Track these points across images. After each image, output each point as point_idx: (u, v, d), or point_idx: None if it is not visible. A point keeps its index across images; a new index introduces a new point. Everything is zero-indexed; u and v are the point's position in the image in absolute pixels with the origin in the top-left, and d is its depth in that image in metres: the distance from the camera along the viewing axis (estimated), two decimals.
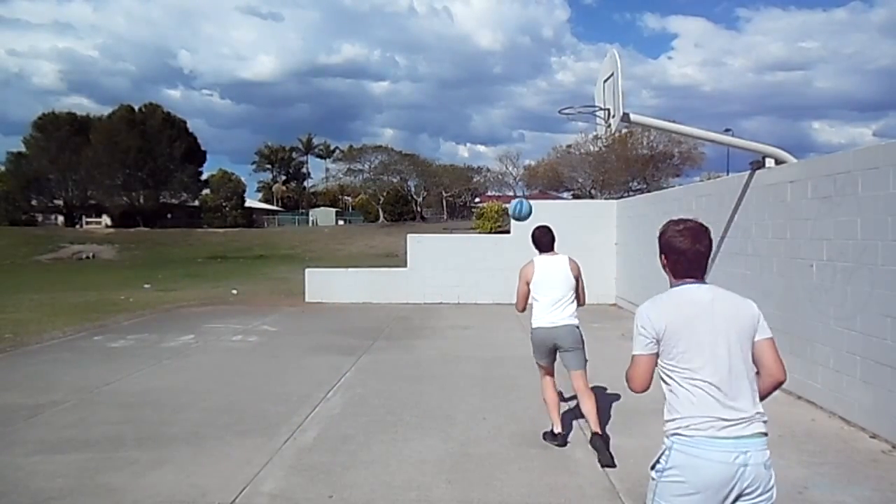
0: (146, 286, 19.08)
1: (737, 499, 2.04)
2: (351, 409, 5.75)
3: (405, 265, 14.69)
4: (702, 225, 2.25)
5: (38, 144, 54.77)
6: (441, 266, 14.18)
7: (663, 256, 2.33)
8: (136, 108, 58.30)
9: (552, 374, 4.95)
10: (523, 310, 4.93)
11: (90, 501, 3.79)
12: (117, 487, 3.96)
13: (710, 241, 2.25)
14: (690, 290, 2.22)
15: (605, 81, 7.52)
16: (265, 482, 4.03)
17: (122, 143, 53.82)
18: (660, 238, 2.32)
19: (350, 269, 15.68)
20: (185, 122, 60.79)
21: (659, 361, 2.24)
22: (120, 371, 7.25)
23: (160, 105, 60.04)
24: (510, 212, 5.72)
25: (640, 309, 2.26)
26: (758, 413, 2.12)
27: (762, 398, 2.22)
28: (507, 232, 15.16)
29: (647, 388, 2.30)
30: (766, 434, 2.10)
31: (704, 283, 2.24)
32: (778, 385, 2.27)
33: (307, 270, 15.24)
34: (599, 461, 4.31)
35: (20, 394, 6.27)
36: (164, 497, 3.83)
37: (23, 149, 55.73)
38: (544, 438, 4.82)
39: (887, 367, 4.71)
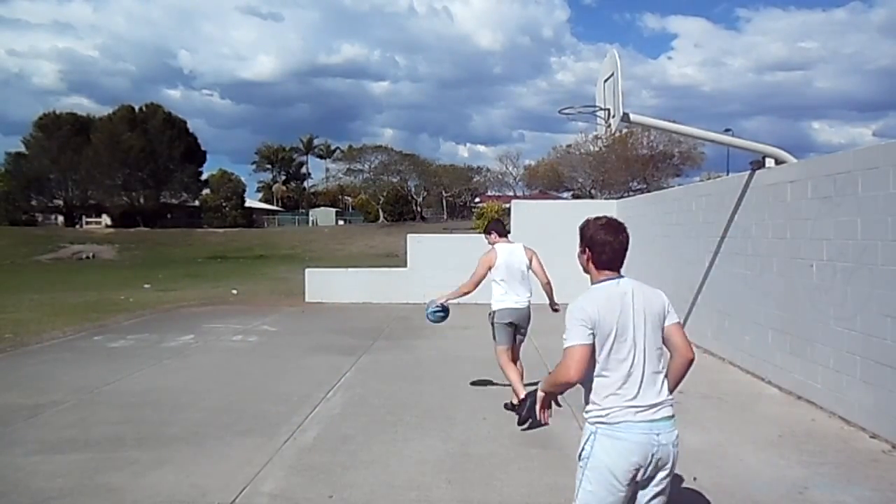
0: (146, 286, 19.08)
1: (650, 476, 2.32)
2: (351, 409, 5.75)
3: (405, 265, 14.69)
4: (619, 221, 2.51)
5: (38, 144, 54.78)
6: (441, 266, 14.12)
7: (587, 249, 2.52)
8: (137, 108, 58.34)
9: (511, 351, 5.60)
10: (469, 293, 5.58)
11: (90, 501, 3.79)
12: (117, 487, 3.96)
13: (628, 235, 2.48)
14: (615, 284, 2.43)
15: (606, 81, 7.52)
16: (265, 482, 4.03)
17: (123, 143, 53.83)
18: (582, 233, 2.54)
19: (350, 269, 15.68)
20: (185, 123, 60.87)
21: None
22: (120, 371, 7.25)
23: (161, 105, 60.17)
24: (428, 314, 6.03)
25: (573, 304, 2.41)
26: (668, 399, 2.38)
27: (680, 378, 2.48)
28: (507, 232, 15.15)
29: (582, 377, 2.42)
30: (673, 416, 2.37)
31: (622, 276, 2.46)
32: (689, 363, 2.47)
33: (307, 270, 15.24)
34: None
35: (20, 394, 6.27)
36: (164, 497, 3.83)
37: (23, 149, 55.76)
38: (506, 408, 5.44)
39: (887, 367, 4.71)
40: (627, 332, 2.33)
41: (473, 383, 6.68)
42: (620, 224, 2.49)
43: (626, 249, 2.46)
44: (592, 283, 2.48)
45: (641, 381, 2.32)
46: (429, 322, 6.10)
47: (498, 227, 5.96)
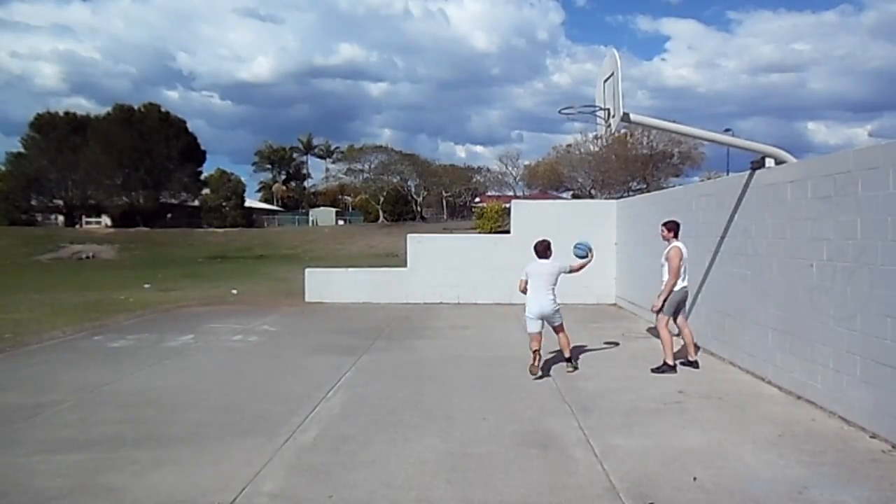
0: (146, 286, 19.08)
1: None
2: (351, 409, 5.75)
3: (405, 265, 14.69)
4: (545, 240, 7.10)
5: (36, 144, 54.78)
6: (441, 266, 14.18)
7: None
8: (136, 108, 58.25)
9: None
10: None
11: (90, 501, 3.79)
12: (117, 487, 3.96)
13: (548, 243, 7.08)
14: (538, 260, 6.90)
15: (605, 81, 7.52)
16: (265, 482, 4.04)
17: (119, 142, 53.78)
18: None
19: (350, 269, 15.68)
20: (184, 122, 60.76)
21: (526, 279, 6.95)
22: (120, 371, 7.25)
23: (158, 105, 60.04)
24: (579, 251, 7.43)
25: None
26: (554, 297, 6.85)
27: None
28: (507, 232, 15.16)
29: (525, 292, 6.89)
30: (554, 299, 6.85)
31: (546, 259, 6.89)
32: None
33: (307, 270, 15.24)
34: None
35: (20, 394, 6.27)
36: (164, 497, 3.83)
37: (21, 149, 55.73)
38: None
39: (887, 366, 4.72)
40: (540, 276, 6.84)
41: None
42: (545, 242, 7.06)
43: (549, 249, 7.06)
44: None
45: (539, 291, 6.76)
46: (578, 250, 7.30)
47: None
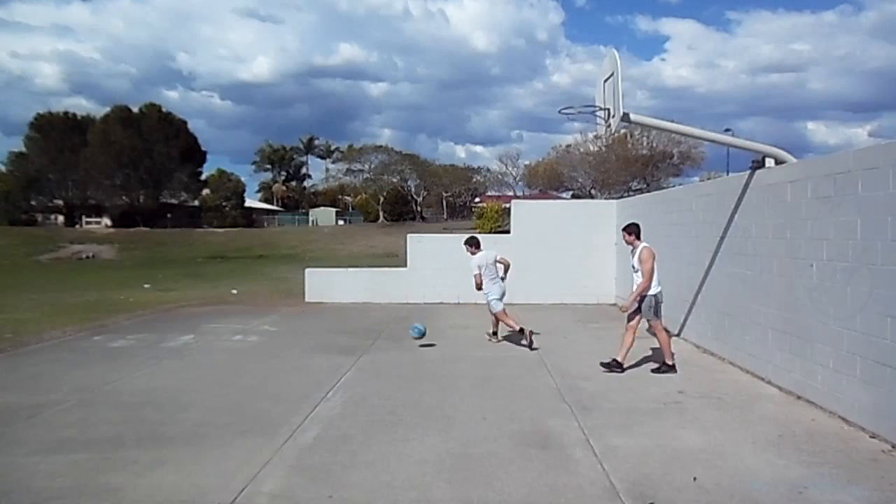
0: (146, 286, 19.08)
1: None
2: (351, 408, 5.75)
3: (405, 265, 14.68)
4: (476, 236, 9.40)
5: (37, 144, 54.76)
6: (441, 266, 14.17)
7: (472, 247, 8.98)
8: (132, 107, 58.30)
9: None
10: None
11: (90, 501, 3.79)
12: (117, 487, 3.96)
13: (477, 240, 9.19)
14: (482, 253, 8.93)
15: (606, 81, 7.52)
16: (265, 482, 4.04)
17: (119, 142, 53.76)
18: (475, 244, 9.01)
19: (350, 269, 15.68)
20: (184, 123, 60.76)
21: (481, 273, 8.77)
22: (120, 371, 7.25)
23: (158, 105, 60.03)
24: (413, 333, 8.72)
25: (474, 258, 8.76)
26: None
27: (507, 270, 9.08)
28: (507, 232, 15.16)
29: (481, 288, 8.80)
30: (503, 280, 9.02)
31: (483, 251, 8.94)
32: (507, 268, 9.09)
33: (307, 270, 15.23)
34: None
35: (20, 394, 6.27)
36: (165, 497, 3.83)
37: (23, 149, 55.71)
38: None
39: (887, 366, 4.71)
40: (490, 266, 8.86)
41: (473, 385, 6.70)
42: (476, 238, 9.24)
43: (480, 243, 9.12)
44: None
45: (496, 277, 8.89)
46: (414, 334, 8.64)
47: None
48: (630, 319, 7.13)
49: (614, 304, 13.56)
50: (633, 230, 7.27)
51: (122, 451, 4.60)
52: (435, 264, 14.21)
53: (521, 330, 8.59)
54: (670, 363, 7.13)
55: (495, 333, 9.23)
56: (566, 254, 13.78)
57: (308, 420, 5.36)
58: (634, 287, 7.10)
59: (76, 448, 4.68)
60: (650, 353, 8.29)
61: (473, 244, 9.06)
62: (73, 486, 3.98)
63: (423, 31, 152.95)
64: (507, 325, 8.83)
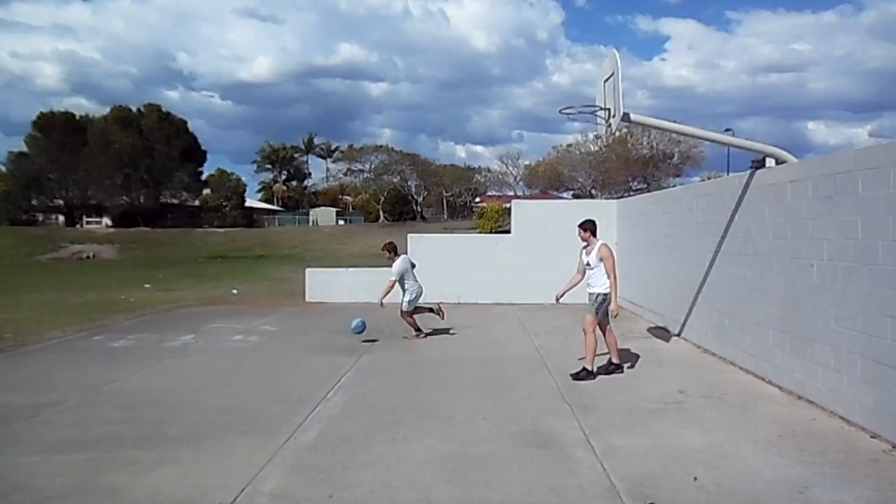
0: (146, 286, 19.09)
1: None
2: (351, 408, 5.75)
3: None
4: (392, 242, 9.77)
5: (37, 144, 54.77)
6: (441, 266, 14.16)
7: (391, 253, 9.42)
8: (132, 107, 58.31)
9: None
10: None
11: (90, 501, 3.79)
12: (118, 487, 3.96)
13: (395, 245, 9.63)
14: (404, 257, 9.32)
15: (606, 81, 7.52)
16: (266, 482, 4.04)
17: (118, 142, 53.77)
18: (393, 249, 9.48)
19: (350, 269, 15.67)
20: (184, 122, 60.75)
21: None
22: (120, 371, 7.25)
23: (158, 105, 60.06)
24: (353, 328, 9.07)
25: (396, 264, 9.14)
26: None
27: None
28: (508, 232, 15.15)
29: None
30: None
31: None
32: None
33: (307, 270, 15.23)
34: None
35: (20, 394, 6.27)
36: (165, 497, 3.83)
37: (24, 149, 55.72)
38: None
39: (888, 366, 4.71)
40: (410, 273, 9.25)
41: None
42: (393, 243, 9.67)
43: (396, 247, 9.63)
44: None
45: (416, 279, 9.41)
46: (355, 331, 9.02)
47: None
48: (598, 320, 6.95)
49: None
50: (589, 227, 7.08)
51: (122, 451, 4.60)
52: (435, 264, 14.18)
53: (419, 332, 9.48)
54: (616, 362, 7.10)
55: (419, 330, 9.55)
56: (566, 254, 13.72)
57: (308, 420, 5.36)
58: (588, 284, 6.98)
59: (76, 448, 4.69)
60: (650, 353, 8.29)
61: (392, 249, 9.42)
62: (73, 486, 3.98)
63: (423, 31, 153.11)
64: (409, 324, 9.44)
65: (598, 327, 6.96)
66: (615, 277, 6.86)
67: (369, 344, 9.02)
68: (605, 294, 6.86)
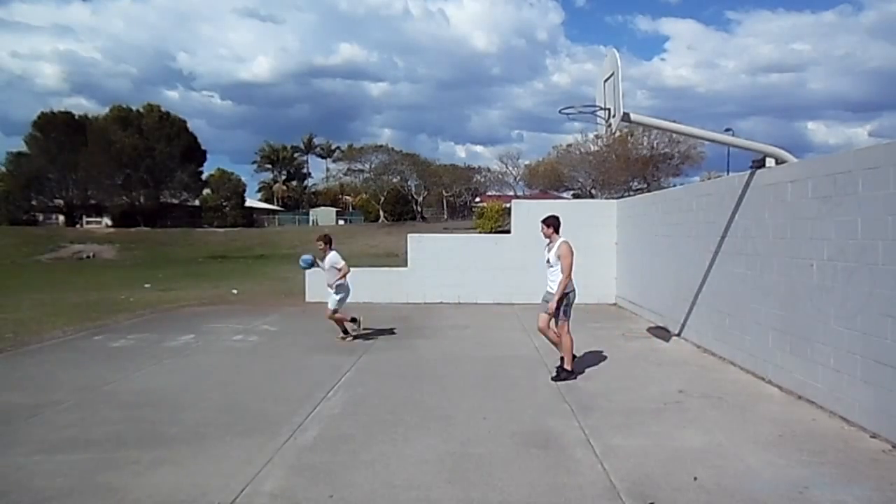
0: (146, 286, 19.09)
1: None
2: (351, 408, 5.75)
3: (405, 265, 14.69)
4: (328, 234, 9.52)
5: (37, 144, 54.74)
6: (441, 266, 14.18)
7: (326, 245, 9.25)
8: (132, 107, 58.27)
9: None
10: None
11: (91, 501, 3.79)
12: (118, 487, 3.96)
13: (330, 237, 9.46)
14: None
15: (606, 81, 7.52)
16: (266, 482, 4.04)
17: (118, 142, 53.74)
18: (329, 241, 9.34)
19: (350, 269, 15.63)
20: (184, 122, 60.69)
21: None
22: (120, 371, 7.25)
23: (158, 105, 60.05)
24: (303, 264, 9.64)
25: (338, 254, 9.24)
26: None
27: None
28: (508, 232, 15.15)
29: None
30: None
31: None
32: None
33: (307, 270, 15.20)
34: None
35: (20, 394, 6.27)
36: (165, 497, 3.83)
37: (24, 149, 55.69)
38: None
39: (888, 366, 4.71)
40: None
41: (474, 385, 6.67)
42: (325, 235, 9.51)
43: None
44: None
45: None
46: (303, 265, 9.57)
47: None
48: (558, 321, 6.79)
49: (614, 304, 13.57)
50: (552, 223, 6.90)
51: (122, 451, 4.60)
52: (435, 264, 14.22)
53: (346, 334, 9.42)
54: (569, 368, 6.78)
55: (346, 332, 9.40)
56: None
57: (308, 420, 5.36)
58: (548, 282, 6.82)
59: (76, 448, 4.69)
60: (650, 353, 8.30)
61: (328, 241, 9.40)
62: (73, 486, 3.98)
63: (423, 31, 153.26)
64: (337, 323, 9.42)
65: (567, 327, 6.78)
66: (568, 277, 6.60)
67: (369, 344, 9.02)
68: (566, 293, 6.67)
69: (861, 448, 4.60)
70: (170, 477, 4.13)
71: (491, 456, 4.49)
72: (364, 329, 9.69)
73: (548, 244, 6.92)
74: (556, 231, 6.91)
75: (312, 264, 9.45)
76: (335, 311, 9.27)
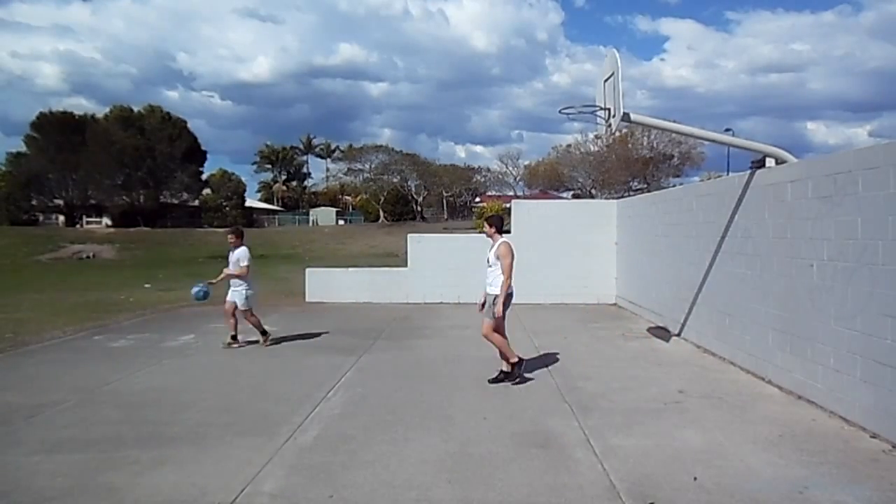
0: (147, 286, 19.09)
1: None
2: (351, 408, 5.75)
3: (405, 265, 14.68)
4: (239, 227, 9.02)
5: (37, 144, 54.73)
6: (441, 266, 14.18)
7: (236, 237, 8.75)
8: (133, 107, 58.32)
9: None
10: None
11: (91, 501, 3.79)
12: (118, 487, 3.97)
13: (242, 231, 8.98)
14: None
15: (606, 81, 7.52)
16: (266, 482, 4.04)
17: (118, 142, 53.72)
18: (240, 234, 8.82)
19: (350, 269, 15.67)
20: (185, 122, 60.70)
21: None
22: (120, 371, 7.25)
23: (159, 105, 60.11)
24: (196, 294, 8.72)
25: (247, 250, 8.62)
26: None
27: None
28: (508, 232, 15.15)
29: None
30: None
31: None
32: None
33: (307, 270, 15.24)
34: None
35: (20, 394, 6.27)
36: (165, 497, 3.83)
37: (24, 149, 55.68)
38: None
39: (887, 366, 4.71)
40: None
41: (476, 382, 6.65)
42: (236, 227, 8.67)
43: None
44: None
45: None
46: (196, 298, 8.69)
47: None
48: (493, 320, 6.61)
49: (614, 304, 13.57)
50: (494, 222, 6.77)
51: (122, 451, 4.60)
52: (435, 264, 14.23)
53: (266, 336, 8.98)
54: (507, 370, 6.68)
55: (235, 338, 8.82)
56: (566, 254, 13.78)
57: (308, 420, 5.36)
58: (487, 283, 6.62)
59: (76, 448, 4.69)
60: (650, 353, 8.30)
61: (239, 234, 8.91)
62: (73, 486, 3.98)
63: (423, 31, 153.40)
64: (254, 325, 8.90)
65: (501, 326, 6.64)
66: (509, 277, 6.42)
67: (369, 344, 9.02)
68: (507, 294, 6.47)
69: (861, 448, 4.60)
70: (170, 477, 4.13)
71: (491, 456, 4.49)
72: (268, 343, 8.94)
73: (491, 244, 6.76)
74: (499, 231, 6.78)
75: (207, 293, 8.68)
76: (249, 312, 8.71)
